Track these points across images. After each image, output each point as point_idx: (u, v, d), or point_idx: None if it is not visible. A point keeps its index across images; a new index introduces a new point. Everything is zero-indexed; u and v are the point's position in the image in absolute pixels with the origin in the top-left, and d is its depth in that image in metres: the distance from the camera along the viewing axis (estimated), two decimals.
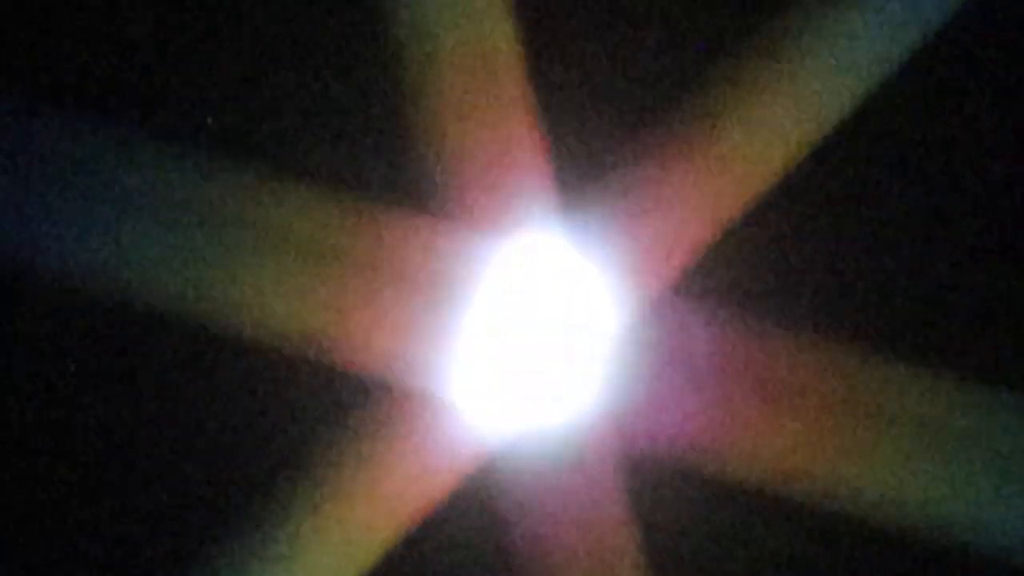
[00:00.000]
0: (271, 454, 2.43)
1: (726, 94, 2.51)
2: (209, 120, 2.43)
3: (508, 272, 2.45)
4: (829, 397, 2.48)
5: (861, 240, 2.56)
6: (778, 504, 2.49)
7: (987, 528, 2.50)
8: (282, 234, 2.39)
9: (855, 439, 2.48)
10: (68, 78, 2.47)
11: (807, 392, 2.48)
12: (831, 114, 2.53)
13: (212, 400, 2.45)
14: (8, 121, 2.43)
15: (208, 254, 2.39)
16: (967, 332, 2.55)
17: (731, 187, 2.46)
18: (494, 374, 2.46)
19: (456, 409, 2.45)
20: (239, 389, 2.44)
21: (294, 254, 2.39)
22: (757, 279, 2.50)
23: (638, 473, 2.47)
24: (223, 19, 2.50)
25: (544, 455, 2.46)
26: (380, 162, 2.44)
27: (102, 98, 2.47)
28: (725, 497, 2.48)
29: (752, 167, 2.48)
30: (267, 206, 2.39)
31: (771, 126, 2.51)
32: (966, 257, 2.57)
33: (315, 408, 2.44)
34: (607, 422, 2.46)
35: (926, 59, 2.56)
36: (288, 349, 2.42)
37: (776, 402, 2.47)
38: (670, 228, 2.47)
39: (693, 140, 2.47)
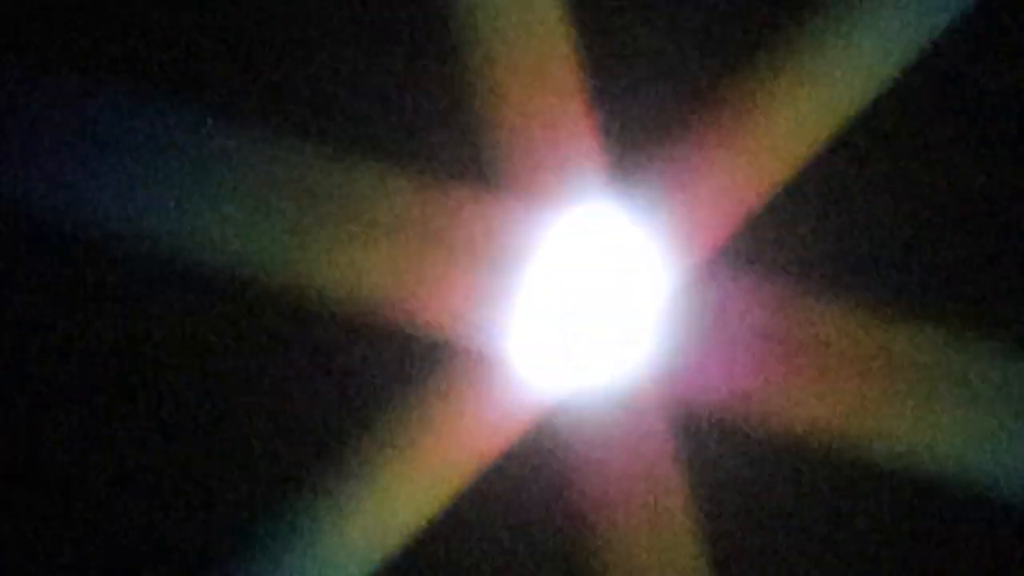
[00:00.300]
0: (342, 412, 2.58)
1: (767, 74, 2.64)
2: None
3: (565, 241, 2.60)
4: (860, 357, 2.60)
5: (890, 213, 2.68)
6: (814, 454, 2.61)
7: (996, 473, 2.61)
8: (351, 207, 2.56)
9: (884, 395, 2.60)
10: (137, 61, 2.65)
11: (841, 352, 2.60)
12: (863, 95, 2.66)
13: (287, 361, 2.61)
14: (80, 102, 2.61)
15: (280, 225, 2.55)
16: (984, 300, 2.67)
17: (769, 163, 2.60)
18: (553, 336, 2.61)
19: (517, 368, 2.59)
20: (313, 351, 2.60)
21: (364, 226, 2.55)
22: (794, 248, 2.63)
23: (687, 427, 2.60)
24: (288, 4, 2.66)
25: (599, 411, 2.60)
26: (444, 139, 2.59)
27: (168, 79, 2.64)
28: (767, 448, 2.61)
29: (789, 144, 2.61)
30: (336, 180, 2.56)
31: (809, 105, 2.64)
32: (981, 236, 2.68)
33: (385, 367, 2.59)
34: (657, 380, 2.60)
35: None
36: (359, 313, 2.57)
37: (812, 361, 2.59)
38: (714, 201, 2.60)
39: (736, 118, 2.61)
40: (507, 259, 2.58)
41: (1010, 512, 2.63)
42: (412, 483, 2.57)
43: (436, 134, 2.61)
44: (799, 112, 2.61)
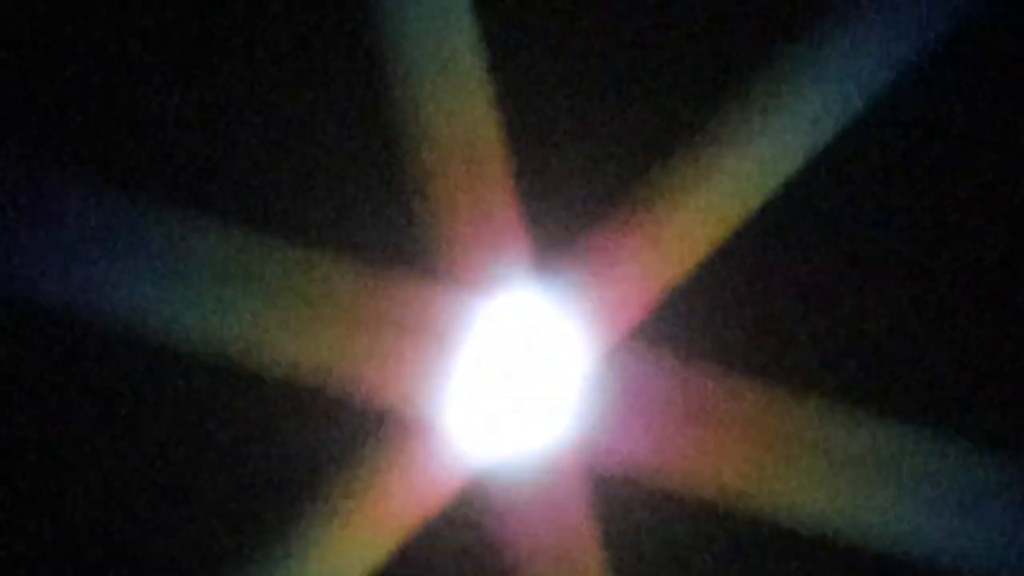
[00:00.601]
0: (279, 475, 2.82)
1: (682, 156, 2.87)
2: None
3: (494, 320, 2.84)
4: (760, 428, 2.84)
5: (805, 289, 2.91)
6: (719, 516, 2.85)
7: (887, 531, 2.86)
8: (293, 288, 2.79)
9: (781, 462, 2.84)
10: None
11: (744, 423, 2.84)
12: (781, 168, 2.89)
13: (237, 428, 2.85)
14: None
15: (228, 305, 2.79)
16: (902, 377, 2.91)
17: (677, 250, 2.84)
18: (482, 407, 2.85)
19: (449, 436, 2.83)
20: (260, 419, 2.84)
21: (305, 306, 2.79)
22: (701, 329, 2.87)
23: (604, 490, 2.84)
24: (223, 80, 2.88)
25: (523, 476, 2.85)
26: (382, 226, 2.83)
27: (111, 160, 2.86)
28: (675, 509, 2.85)
29: (700, 227, 2.85)
30: (279, 264, 2.79)
31: (724, 185, 2.87)
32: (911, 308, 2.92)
33: (327, 434, 2.83)
34: (576, 448, 2.84)
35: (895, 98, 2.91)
36: (297, 385, 2.81)
37: (717, 431, 2.84)
38: (629, 285, 2.84)
39: (649, 206, 2.84)
40: (440, 337, 2.82)
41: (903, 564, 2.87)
42: (353, 537, 2.81)
43: (374, 221, 2.85)
44: (707, 201, 2.85)
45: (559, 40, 2.88)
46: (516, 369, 2.85)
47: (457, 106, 2.82)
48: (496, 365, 2.84)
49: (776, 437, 2.85)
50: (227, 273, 2.80)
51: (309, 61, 2.87)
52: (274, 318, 2.80)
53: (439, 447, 2.83)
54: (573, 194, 2.84)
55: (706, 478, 2.85)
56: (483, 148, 2.82)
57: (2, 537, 2.85)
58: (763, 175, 2.86)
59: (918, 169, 2.92)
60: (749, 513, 2.85)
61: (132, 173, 2.84)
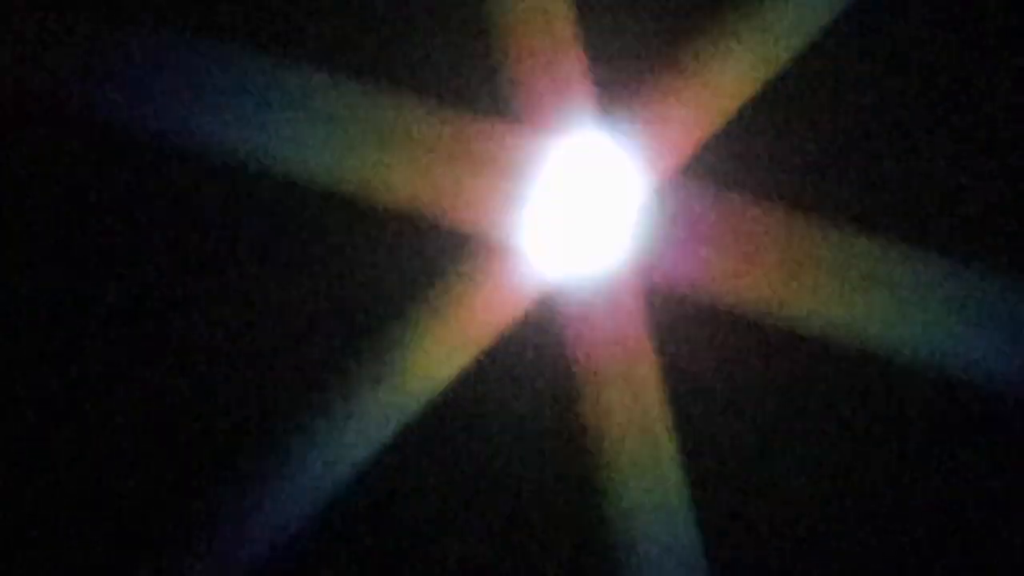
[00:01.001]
0: (365, 292, 3.23)
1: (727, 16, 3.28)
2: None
3: (562, 157, 3.25)
4: (801, 251, 3.23)
5: (838, 132, 3.31)
6: (766, 331, 3.23)
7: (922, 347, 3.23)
8: (379, 128, 3.22)
9: (822, 283, 3.23)
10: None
11: (785, 247, 3.24)
12: (814, 30, 3.30)
13: (326, 250, 3.26)
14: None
15: (319, 142, 3.22)
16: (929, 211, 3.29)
17: (726, 91, 3.26)
18: (551, 232, 3.26)
19: (522, 257, 3.24)
20: (351, 243, 3.26)
21: (390, 143, 3.22)
22: (748, 163, 3.27)
23: (658, 306, 3.24)
24: None
25: (588, 292, 3.25)
26: (458, 73, 3.26)
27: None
28: (727, 326, 3.23)
29: (743, 77, 3.27)
30: (366, 106, 3.22)
31: (763, 38, 3.28)
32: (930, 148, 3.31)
33: (414, 255, 3.24)
34: (635, 268, 3.25)
35: None
36: (393, 212, 3.23)
37: (760, 254, 3.23)
38: (679, 126, 3.26)
39: (698, 54, 3.27)
40: (516, 171, 3.24)
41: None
42: (442, 344, 3.22)
43: (452, 68, 3.28)
44: (746, 54, 3.27)
45: None
46: (582, 199, 3.26)
47: None
48: (565, 196, 3.26)
49: (807, 260, 3.24)
50: (330, 115, 3.23)
51: None
52: (373, 156, 3.23)
53: (516, 267, 3.24)
54: (630, 47, 3.27)
55: (747, 296, 3.24)
56: (554, 8, 3.26)
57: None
58: (800, 29, 3.28)
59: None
60: (784, 325, 3.23)
61: (238, 30, 3.28)
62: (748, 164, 3.27)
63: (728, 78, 3.26)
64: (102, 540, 3.18)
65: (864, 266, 3.24)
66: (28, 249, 3.25)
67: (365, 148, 3.22)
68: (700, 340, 3.24)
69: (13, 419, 3.20)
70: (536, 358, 3.24)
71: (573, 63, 3.26)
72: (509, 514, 3.18)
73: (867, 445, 3.23)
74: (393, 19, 3.31)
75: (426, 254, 3.25)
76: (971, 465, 3.22)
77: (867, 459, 3.22)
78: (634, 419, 3.20)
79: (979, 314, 3.23)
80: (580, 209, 3.26)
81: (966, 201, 3.27)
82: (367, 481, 3.16)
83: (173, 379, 3.21)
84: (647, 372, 3.22)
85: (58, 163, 3.26)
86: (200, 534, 3.17)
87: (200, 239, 3.26)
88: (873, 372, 3.23)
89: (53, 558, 3.18)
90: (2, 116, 3.23)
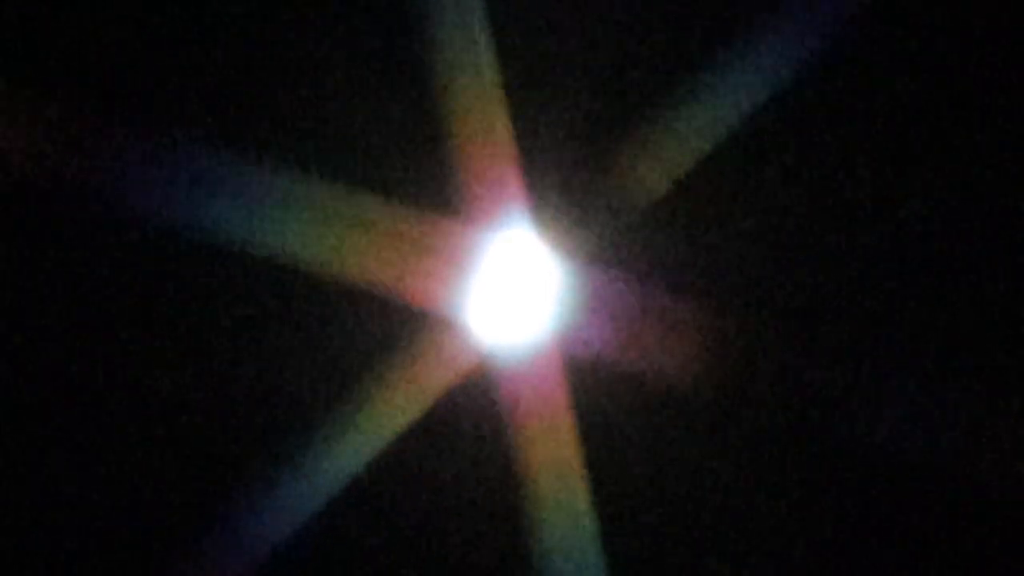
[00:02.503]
0: (324, 358, 3.74)
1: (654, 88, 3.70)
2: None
3: (497, 243, 3.75)
4: (708, 328, 3.74)
5: (749, 231, 3.77)
6: (671, 397, 3.76)
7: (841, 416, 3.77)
8: (334, 214, 3.69)
9: (730, 359, 3.74)
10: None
11: (692, 327, 3.74)
12: (734, 119, 3.72)
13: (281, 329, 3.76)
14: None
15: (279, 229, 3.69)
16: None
17: (640, 192, 3.72)
18: (486, 309, 3.77)
19: (461, 329, 3.76)
20: (310, 322, 3.76)
21: (343, 230, 3.69)
22: (659, 255, 3.76)
23: (578, 375, 3.76)
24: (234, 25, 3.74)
25: (518, 362, 3.77)
26: (407, 173, 3.73)
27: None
28: (636, 392, 3.76)
29: (655, 176, 3.73)
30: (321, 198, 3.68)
31: (680, 134, 3.72)
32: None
33: (362, 333, 3.75)
34: (559, 341, 3.77)
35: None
36: (340, 290, 3.71)
37: (669, 330, 3.74)
38: (600, 218, 3.74)
39: (615, 161, 3.72)
40: (455, 255, 3.74)
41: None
42: (383, 407, 3.76)
43: (402, 166, 3.74)
44: (665, 150, 3.72)
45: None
46: (513, 281, 3.76)
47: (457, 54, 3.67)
48: (498, 277, 3.76)
49: (708, 336, 3.76)
50: (289, 203, 3.70)
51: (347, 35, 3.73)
52: (331, 240, 3.71)
53: (455, 339, 3.76)
54: (558, 147, 3.73)
55: (654, 367, 3.76)
56: (490, 113, 3.71)
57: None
58: (725, 116, 3.70)
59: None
60: (682, 390, 3.76)
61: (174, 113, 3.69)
62: (659, 254, 3.76)
63: (641, 179, 3.73)
64: (93, 545, 3.76)
65: (757, 342, 3.75)
66: None
67: (329, 234, 3.71)
68: (612, 403, 3.78)
69: (8, 427, 3.75)
70: (471, 416, 3.78)
71: (506, 161, 3.73)
72: (446, 551, 3.78)
73: (778, 502, 3.78)
74: (356, 117, 3.75)
75: (376, 327, 3.76)
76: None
77: (778, 516, 3.78)
78: (554, 470, 3.77)
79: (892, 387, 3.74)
80: (511, 289, 3.77)
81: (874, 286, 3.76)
82: (321, 526, 3.74)
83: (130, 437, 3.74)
84: (566, 429, 3.77)
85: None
86: None
87: (157, 311, 3.75)
88: (779, 434, 3.76)
89: (43, 561, 3.75)
90: None
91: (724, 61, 3.68)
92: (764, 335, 3.72)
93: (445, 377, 3.74)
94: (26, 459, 3.71)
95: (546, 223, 3.73)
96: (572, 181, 3.72)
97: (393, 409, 3.73)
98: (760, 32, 3.65)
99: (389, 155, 3.73)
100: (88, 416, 3.73)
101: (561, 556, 3.73)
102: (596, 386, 3.74)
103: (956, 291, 3.70)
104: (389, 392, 3.73)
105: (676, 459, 3.78)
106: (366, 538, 3.77)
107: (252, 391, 3.74)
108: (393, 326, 3.72)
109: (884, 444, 3.69)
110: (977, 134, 3.69)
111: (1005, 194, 3.68)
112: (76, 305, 3.73)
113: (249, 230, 3.67)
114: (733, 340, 3.72)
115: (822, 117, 3.71)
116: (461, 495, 3.77)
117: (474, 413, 3.75)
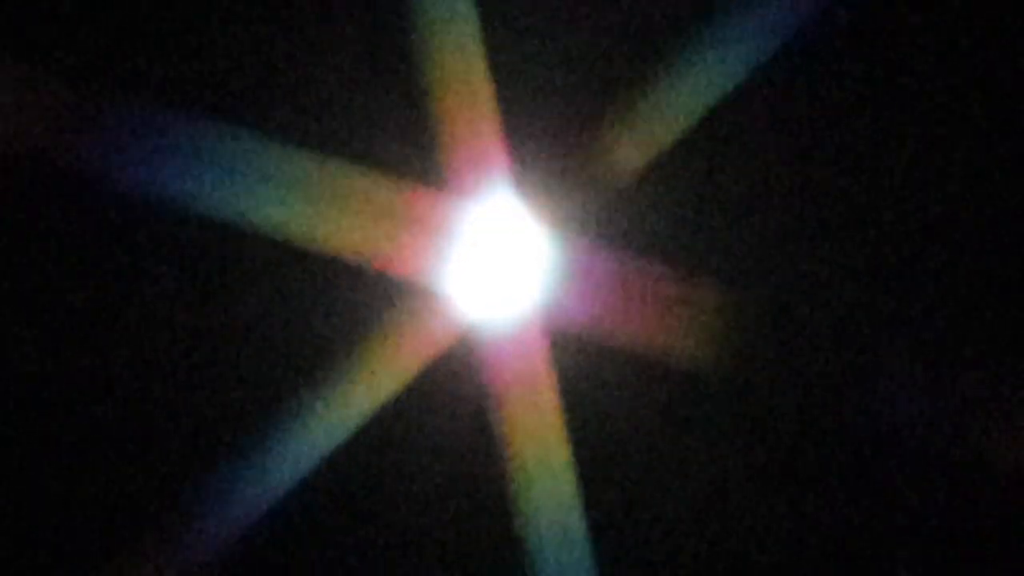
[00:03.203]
0: (309, 330, 3.73)
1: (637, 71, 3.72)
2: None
3: (482, 213, 3.75)
4: (692, 296, 3.75)
5: (734, 204, 3.79)
6: (653, 365, 3.77)
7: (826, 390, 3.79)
8: (322, 186, 3.69)
9: (714, 326, 3.75)
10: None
11: (676, 294, 3.76)
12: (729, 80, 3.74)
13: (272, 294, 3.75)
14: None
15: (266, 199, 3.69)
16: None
17: (623, 163, 3.74)
18: (471, 280, 3.77)
19: (445, 301, 3.76)
20: (298, 288, 3.76)
21: (330, 200, 3.69)
22: (642, 224, 3.77)
23: (562, 345, 3.77)
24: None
25: (502, 332, 3.77)
26: (394, 143, 3.73)
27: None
28: (620, 363, 3.77)
29: (638, 148, 3.74)
30: (305, 171, 3.69)
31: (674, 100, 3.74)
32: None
33: (351, 299, 3.75)
34: (543, 311, 3.77)
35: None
36: (325, 260, 3.72)
37: (652, 299, 3.75)
38: (583, 188, 3.75)
39: (599, 131, 3.74)
40: (439, 225, 3.74)
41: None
42: (367, 378, 3.75)
43: (388, 137, 3.75)
44: (645, 130, 3.73)
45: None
46: (498, 251, 3.76)
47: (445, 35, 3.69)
48: (483, 248, 3.76)
49: (692, 304, 3.77)
50: (276, 176, 3.70)
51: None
52: (319, 214, 3.71)
53: (439, 310, 3.76)
54: (543, 119, 3.74)
55: (638, 336, 3.77)
56: (475, 86, 3.72)
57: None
58: (713, 88, 3.72)
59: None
60: (665, 358, 3.77)
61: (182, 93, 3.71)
62: (644, 225, 3.77)
63: (626, 150, 3.74)
64: (72, 540, 3.74)
65: (741, 315, 3.76)
66: None
67: (312, 207, 3.70)
68: (596, 375, 3.78)
69: None
70: (455, 389, 3.77)
71: (491, 133, 3.73)
72: (429, 524, 3.76)
73: (756, 472, 3.79)
74: (339, 90, 3.76)
75: (359, 298, 3.75)
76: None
77: (757, 486, 3.79)
78: (537, 442, 3.76)
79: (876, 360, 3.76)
80: (495, 259, 3.77)
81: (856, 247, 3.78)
82: (303, 498, 3.72)
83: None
84: (550, 401, 3.76)
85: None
86: None
87: (145, 282, 3.74)
88: (760, 406, 3.77)
89: (27, 558, 3.73)
90: None
91: (710, 33, 3.69)
92: (748, 308, 3.72)
93: (429, 349, 3.73)
94: None
95: (531, 194, 3.73)
96: (557, 152, 3.73)
97: (376, 381, 3.72)
98: (748, 4, 3.68)
99: (372, 126, 3.73)
100: (74, 379, 3.71)
101: (545, 529, 3.72)
102: (580, 358, 3.73)
103: (938, 275, 3.72)
104: (372, 364, 3.72)
105: (659, 431, 3.78)
106: (348, 510, 3.75)
107: (233, 363, 3.72)
108: (376, 297, 3.71)
109: (870, 419, 3.69)
110: (967, 108, 3.72)
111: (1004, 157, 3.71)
112: (53, 281, 3.71)
113: (230, 202, 3.66)
114: (717, 312, 3.72)
115: (808, 91, 3.73)
116: (444, 468, 3.76)
117: (457, 385, 3.74)
